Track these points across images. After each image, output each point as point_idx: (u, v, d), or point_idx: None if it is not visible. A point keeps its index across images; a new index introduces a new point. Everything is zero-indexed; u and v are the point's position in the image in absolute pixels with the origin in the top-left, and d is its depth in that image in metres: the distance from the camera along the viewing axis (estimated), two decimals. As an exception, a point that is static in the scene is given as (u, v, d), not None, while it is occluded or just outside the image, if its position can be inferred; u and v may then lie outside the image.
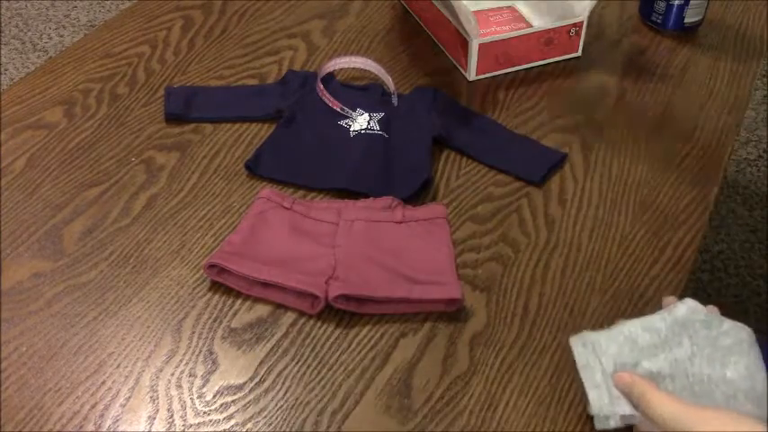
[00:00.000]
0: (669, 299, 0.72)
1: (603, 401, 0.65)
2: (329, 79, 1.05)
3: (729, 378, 0.64)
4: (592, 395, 0.66)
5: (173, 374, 0.73)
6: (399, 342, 0.76)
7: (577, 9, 1.08)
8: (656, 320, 0.67)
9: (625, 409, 0.65)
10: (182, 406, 0.71)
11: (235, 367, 0.74)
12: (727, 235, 1.85)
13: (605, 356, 0.66)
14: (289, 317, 0.78)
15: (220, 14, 1.18)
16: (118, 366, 0.74)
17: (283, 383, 0.73)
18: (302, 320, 0.78)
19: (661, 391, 0.63)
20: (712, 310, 0.68)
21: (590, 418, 0.71)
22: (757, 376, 0.64)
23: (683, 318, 0.66)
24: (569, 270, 0.83)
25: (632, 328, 0.67)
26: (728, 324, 0.66)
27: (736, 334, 0.66)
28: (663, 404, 0.62)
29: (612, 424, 0.65)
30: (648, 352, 0.66)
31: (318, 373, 0.74)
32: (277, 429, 0.69)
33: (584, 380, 0.66)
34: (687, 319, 0.66)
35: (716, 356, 0.65)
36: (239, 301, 0.79)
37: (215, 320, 0.78)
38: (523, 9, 1.17)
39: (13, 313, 0.78)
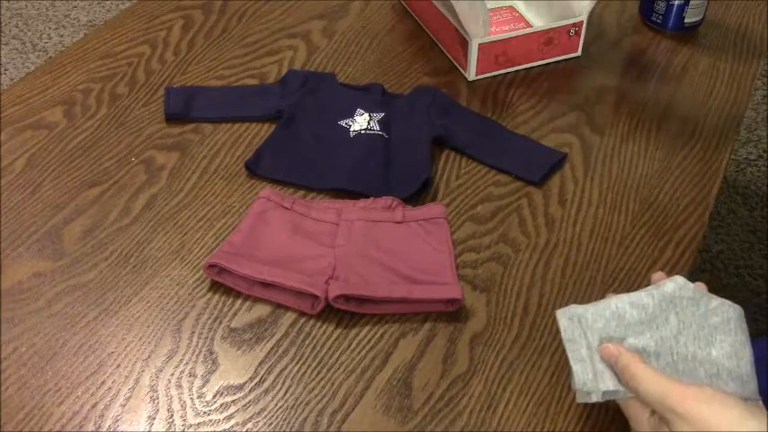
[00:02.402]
0: (658, 274, 0.71)
1: (587, 376, 0.65)
2: (330, 79, 1.05)
3: (714, 356, 0.64)
4: (576, 369, 0.65)
5: (173, 374, 0.73)
6: (399, 342, 0.76)
7: (577, 9, 1.08)
8: (643, 296, 0.66)
9: (608, 384, 0.64)
10: (182, 406, 0.71)
11: (235, 367, 0.74)
12: (727, 235, 1.85)
13: (591, 331, 0.66)
14: (289, 317, 0.78)
15: (220, 14, 1.19)
16: (118, 366, 0.74)
17: (283, 383, 0.73)
18: (302, 320, 0.78)
19: (646, 365, 0.63)
20: (700, 287, 0.68)
21: (589, 417, 0.71)
22: (742, 355, 0.64)
23: (670, 294, 0.66)
24: (569, 270, 0.83)
25: (620, 304, 0.66)
26: (717, 302, 0.66)
27: (724, 312, 0.65)
28: (647, 379, 0.61)
29: (594, 398, 0.65)
30: (635, 329, 0.65)
31: (318, 373, 0.74)
32: (277, 429, 0.69)
33: (569, 353, 0.66)
34: (675, 295, 0.66)
35: (701, 335, 0.64)
36: (239, 301, 0.79)
37: (215, 320, 0.78)
38: (523, 9, 1.17)
39: (13, 313, 0.78)
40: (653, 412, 0.62)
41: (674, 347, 0.65)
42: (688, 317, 0.65)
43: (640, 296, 0.67)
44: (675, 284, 0.66)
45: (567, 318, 0.67)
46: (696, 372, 0.64)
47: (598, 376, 0.65)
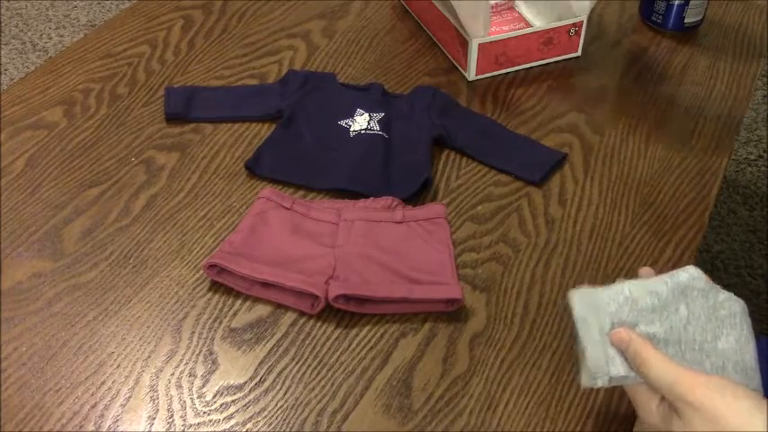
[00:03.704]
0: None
1: (600, 360, 0.64)
2: (330, 79, 1.05)
3: (720, 349, 0.64)
4: (590, 351, 0.64)
5: (173, 374, 0.73)
6: (399, 342, 0.76)
7: (577, 9, 1.08)
8: (658, 284, 0.66)
9: (619, 370, 0.64)
10: (182, 406, 0.71)
11: (235, 367, 0.74)
12: (727, 235, 1.85)
13: (604, 314, 0.65)
14: (289, 317, 0.78)
15: (220, 14, 1.19)
16: (118, 366, 0.74)
17: (283, 383, 0.73)
18: (302, 320, 0.78)
19: (657, 351, 0.62)
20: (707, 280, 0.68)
21: (589, 417, 0.71)
22: (746, 349, 0.64)
23: (683, 284, 0.66)
24: (569, 270, 0.83)
25: (633, 288, 0.66)
26: (724, 295, 0.66)
27: (731, 306, 0.65)
28: (658, 365, 0.61)
29: (600, 384, 0.64)
30: (647, 316, 0.65)
31: (318, 373, 0.74)
32: (277, 429, 0.69)
33: (581, 335, 0.65)
34: (687, 285, 0.66)
35: (709, 327, 0.65)
36: (239, 301, 0.79)
37: (215, 320, 0.78)
38: (523, 9, 1.17)
39: (13, 313, 0.78)
40: (662, 400, 0.62)
41: (683, 337, 0.64)
42: (697, 308, 0.65)
43: (654, 283, 0.66)
44: (689, 275, 0.66)
45: (580, 299, 0.66)
46: (703, 363, 0.64)
47: (609, 361, 0.64)
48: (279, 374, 0.73)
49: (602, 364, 0.64)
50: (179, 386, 0.72)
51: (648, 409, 0.63)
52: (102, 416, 0.70)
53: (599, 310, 0.66)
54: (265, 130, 0.99)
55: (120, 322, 0.77)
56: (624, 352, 0.64)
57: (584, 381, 0.65)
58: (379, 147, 0.95)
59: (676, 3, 1.14)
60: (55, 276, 0.81)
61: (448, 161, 0.96)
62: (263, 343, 0.76)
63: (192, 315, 0.78)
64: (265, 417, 0.70)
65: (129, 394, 0.72)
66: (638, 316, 0.65)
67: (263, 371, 0.74)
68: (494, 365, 0.74)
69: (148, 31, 1.14)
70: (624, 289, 0.66)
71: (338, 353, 0.75)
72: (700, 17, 1.17)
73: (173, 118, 1.00)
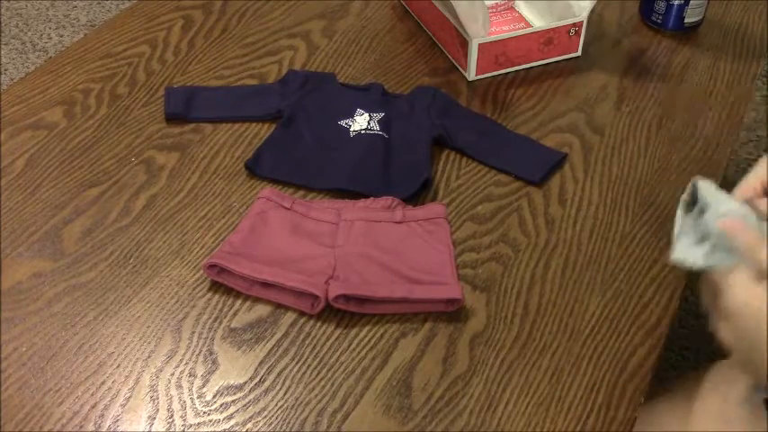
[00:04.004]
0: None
1: (700, 237, 0.66)
2: (330, 79, 1.05)
3: None
4: (722, 213, 0.66)
5: (173, 374, 0.73)
6: (399, 342, 0.76)
7: (577, 9, 1.08)
8: None
9: (719, 253, 0.65)
10: (182, 406, 0.71)
11: (235, 367, 0.74)
12: (727, 235, 1.85)
13: (722, 203, 0.68)
14: (289, 317, 0.78)
15: (220, 14, 1.18)
16: (118, 366, 0.74)
17: (283, 383, 0.73)
18: (302, 320, 0.78)
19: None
20: None
21: (589, 417, 0.71)
22: None
23: None
24: (569, 270, 0.83)
25: (749, 210, 0.68)
26: None
27: None
28: None
29: (700, 253, 0.66)
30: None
31: (318, 373, 0.74)
32: (277, 429, 0.69)
33: (696, 208, 0.68)
34: None
35: None
36: (239, 301, 0.79)
37: (215, 320, 0.78)
38: (523, 9, 1.17)
39: (13, 313, 0.78)
40: (761, 280, 0.63)
41: None
42: None
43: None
44: None
45: (706, 185, 0.69)
46: None
47: (709, 244, 0.66)
48: (279, 374, 0.73)
49: (698, 244, 0.66)
50: (179, 386, 0.72)
51: (740, 291, 0.64)
52: (102, 416, 0.70)
53: (720, 200, 0.68)
54: (265, 130, 0.99)
55: (120, 322, 0.77)
56: (734, 239, 0.65)
57: (678, 254, 0.68)
58: (379, 147, 0.95)
59: (676, 3, 1.14)
60: (55, 276, 0.81)
61: (448, 161, 0.96)
62: (263, 343, 0.76)
63: (192, 315, 0.78)
64: (265, 417, 0.70)
65: (129, 394, 0.72)
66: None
67: (263, 371, 0.74)
68: (494, 365, 0.74)
69: (148, 31, 1.14)
70: (741, 203, 0.68)
71: (338, 353, 0.75)
72: (700, 17, 1.17)
73: (173, 118, 1.00)
